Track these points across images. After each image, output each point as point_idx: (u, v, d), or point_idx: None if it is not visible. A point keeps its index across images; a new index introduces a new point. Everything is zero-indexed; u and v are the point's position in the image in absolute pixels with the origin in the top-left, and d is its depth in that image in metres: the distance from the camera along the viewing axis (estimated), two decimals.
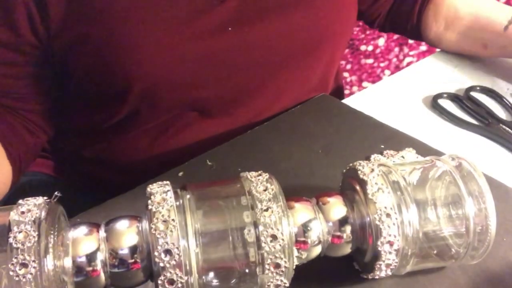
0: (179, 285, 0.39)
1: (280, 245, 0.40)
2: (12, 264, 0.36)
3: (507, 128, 0.69)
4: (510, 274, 0.48)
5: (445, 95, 0.76)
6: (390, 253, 0.42)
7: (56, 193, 0.43)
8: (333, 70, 0.79)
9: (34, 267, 0.36)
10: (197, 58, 0.62)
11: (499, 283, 0.48)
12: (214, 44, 0.62)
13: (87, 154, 0.75)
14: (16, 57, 0.60)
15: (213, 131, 0.70)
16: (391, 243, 0.42)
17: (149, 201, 0.41)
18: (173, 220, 0.39)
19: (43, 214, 0.39)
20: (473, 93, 0.76)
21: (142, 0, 0.59)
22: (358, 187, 0.44)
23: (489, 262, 0.48)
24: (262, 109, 0.71)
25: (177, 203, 0.41)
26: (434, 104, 0.74)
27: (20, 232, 0.37)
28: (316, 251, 0.44)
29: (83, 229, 0.41)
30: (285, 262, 0.40)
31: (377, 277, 0.45)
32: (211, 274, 0.40)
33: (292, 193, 0.44)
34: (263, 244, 0.39)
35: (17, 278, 0.36)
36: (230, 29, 0.63)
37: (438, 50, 0.89)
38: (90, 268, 0.40)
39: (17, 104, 0.63)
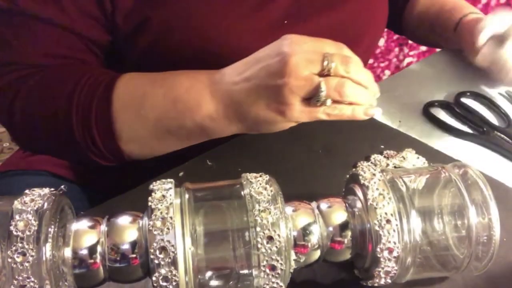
0: (174, 283, 0.39)
1: (276, 247, 0.39)
2: (11, 251, 0.37)
3: (503, 136, 0.69)
4: (510, 274, 0.48)
5: (436, 104, 0.75)
6: (389, 260, 0.42)
7: (62, 186, 0.44)
8: (367, 61, 0.83)
9: (32, 256, 0.37)
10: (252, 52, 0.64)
11: (499, 283, 0.47)
12: (270, 38, 0.64)
13: None
14: (94, 30, 0.62)
15: None
16: (390, 250, 0.41)
17: (150, 198, 0.41)
18: (171, 217, 0.39)
19: (46, 204, 0.40)
20: (463, 100, 0.75)
21: None
22: (359, 192, 0.43)
23: None
24: None
25: (177, 201, 0.41)
26: (426, 113, 0.74)
27: (21, 220, 0.38)
28: (315, 255, 0.43)
29: (85, 222, 0.42)
30: (281, 264, 0.40)
31: (376, 284, 0.44)
32: (207, 274, 0.40)
33: (292, 194, 0.44)
34: (259, 246, 0.39)
35: (14, 266, 0.36)
36: (286, 22, 0.65)
37: (438, 50, 0.89)
38: (89, 261, 0.40)
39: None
